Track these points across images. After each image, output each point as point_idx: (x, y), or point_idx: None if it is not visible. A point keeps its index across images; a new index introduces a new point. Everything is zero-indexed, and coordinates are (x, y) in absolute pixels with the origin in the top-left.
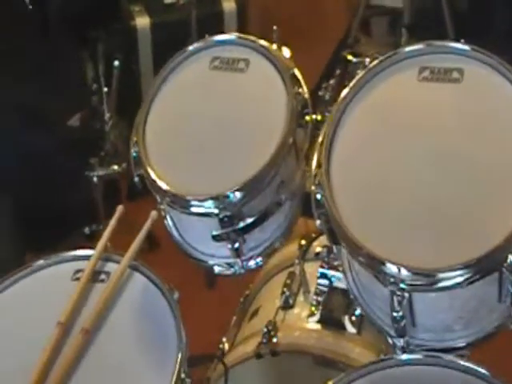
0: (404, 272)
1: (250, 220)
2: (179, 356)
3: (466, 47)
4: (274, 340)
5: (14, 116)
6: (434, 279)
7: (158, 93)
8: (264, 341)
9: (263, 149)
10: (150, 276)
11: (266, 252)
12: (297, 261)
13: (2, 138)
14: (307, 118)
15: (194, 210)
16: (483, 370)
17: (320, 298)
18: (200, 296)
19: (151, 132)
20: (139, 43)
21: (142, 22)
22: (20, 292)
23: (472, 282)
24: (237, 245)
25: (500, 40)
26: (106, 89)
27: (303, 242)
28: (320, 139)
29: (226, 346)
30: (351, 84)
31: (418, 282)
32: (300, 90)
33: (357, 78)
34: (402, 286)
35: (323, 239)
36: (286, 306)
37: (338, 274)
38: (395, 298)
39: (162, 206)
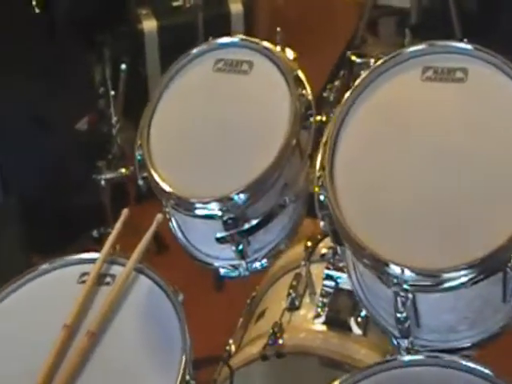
0: (408, 273)
1: (254, 222)
2: (184, 358)
3: (469, 47)
4: (280, 341)
5: (22, 120)
6: (438, 280)
7: (162, 96)
8: (270, 342)
9: (267, 151)
10: (155, 278)
11: (271, 254)
12: (303, 262)
13: (9, 142)
14: (311, 119)
15: (198, 212)
16: (487, 371)
17: (326, 300)
18: (207, 298)
19: (155, 135)
20: (146, 46)
21: (149, 25)
22: (26, 295)
23: (476, 282)
24: (241, 247)
25: (505, 40)
26: (113, 92)
27: (309, 243)
28: (323, 140)
29: (233, 348)
30: (355, 85)
31: (422, 283)
32: (304, 91)
33: (360, 78)
34: (405, 286)
35: (329, 240)
36: (292, 307)
37: (344, 276)
38: (399, 299)
39: (166, 209)
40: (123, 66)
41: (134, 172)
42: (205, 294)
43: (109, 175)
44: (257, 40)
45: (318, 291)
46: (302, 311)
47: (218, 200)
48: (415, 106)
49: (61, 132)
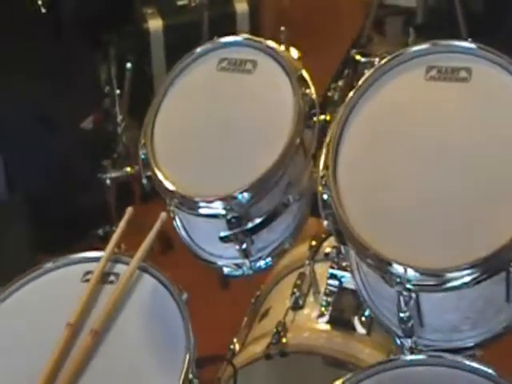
0: (411, 272)
1: (257, 221)
2: (187, 357)
3: (473, 46)
4: (284, 340)
5: (28, 119)
6: (441, 279)
7: (166, 95)
8: (274, 341)
9: (270, 149)
10: (159, 277)
11: (275, 252)
12: (307, 261)
13: (15, 141)
14: (315, 118)
15: (201, 211)
16: (490, 370)
17: (330, 299)
18: (211, 297)
19: (159, 134)
20: (152, 45)
21: (155, 24)
22: (30, 294)
23: (479, 282)
24: (245, 246)
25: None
26: (118, 91)
27: (313, 242)
28: (327, 140)
29: (237, 347)
30: (358, 84)
31: (425, 283)
32: (307, 90)
33: (364, 77)
34: (408, 286)
35: (333, 239)
36: (296, 306)
37: (348, 275)
38: (402, 299)
39: (170, 208)
40: (129, 65)
41: (139, 171)
42: (209, 293)
43: (114, 174)
44: (261, 39)
45: (322, 290)
46: (305, 310)
47: (222, 199)
48: (419, 105)
49: (66, 131)
